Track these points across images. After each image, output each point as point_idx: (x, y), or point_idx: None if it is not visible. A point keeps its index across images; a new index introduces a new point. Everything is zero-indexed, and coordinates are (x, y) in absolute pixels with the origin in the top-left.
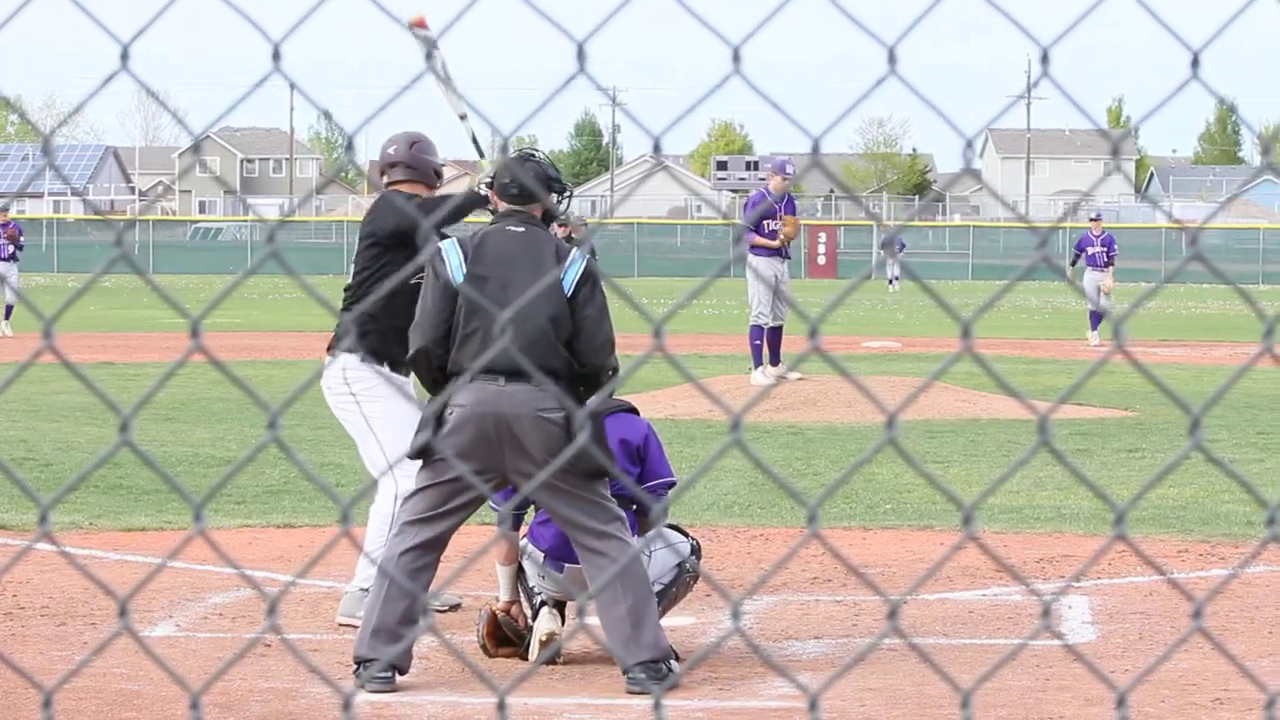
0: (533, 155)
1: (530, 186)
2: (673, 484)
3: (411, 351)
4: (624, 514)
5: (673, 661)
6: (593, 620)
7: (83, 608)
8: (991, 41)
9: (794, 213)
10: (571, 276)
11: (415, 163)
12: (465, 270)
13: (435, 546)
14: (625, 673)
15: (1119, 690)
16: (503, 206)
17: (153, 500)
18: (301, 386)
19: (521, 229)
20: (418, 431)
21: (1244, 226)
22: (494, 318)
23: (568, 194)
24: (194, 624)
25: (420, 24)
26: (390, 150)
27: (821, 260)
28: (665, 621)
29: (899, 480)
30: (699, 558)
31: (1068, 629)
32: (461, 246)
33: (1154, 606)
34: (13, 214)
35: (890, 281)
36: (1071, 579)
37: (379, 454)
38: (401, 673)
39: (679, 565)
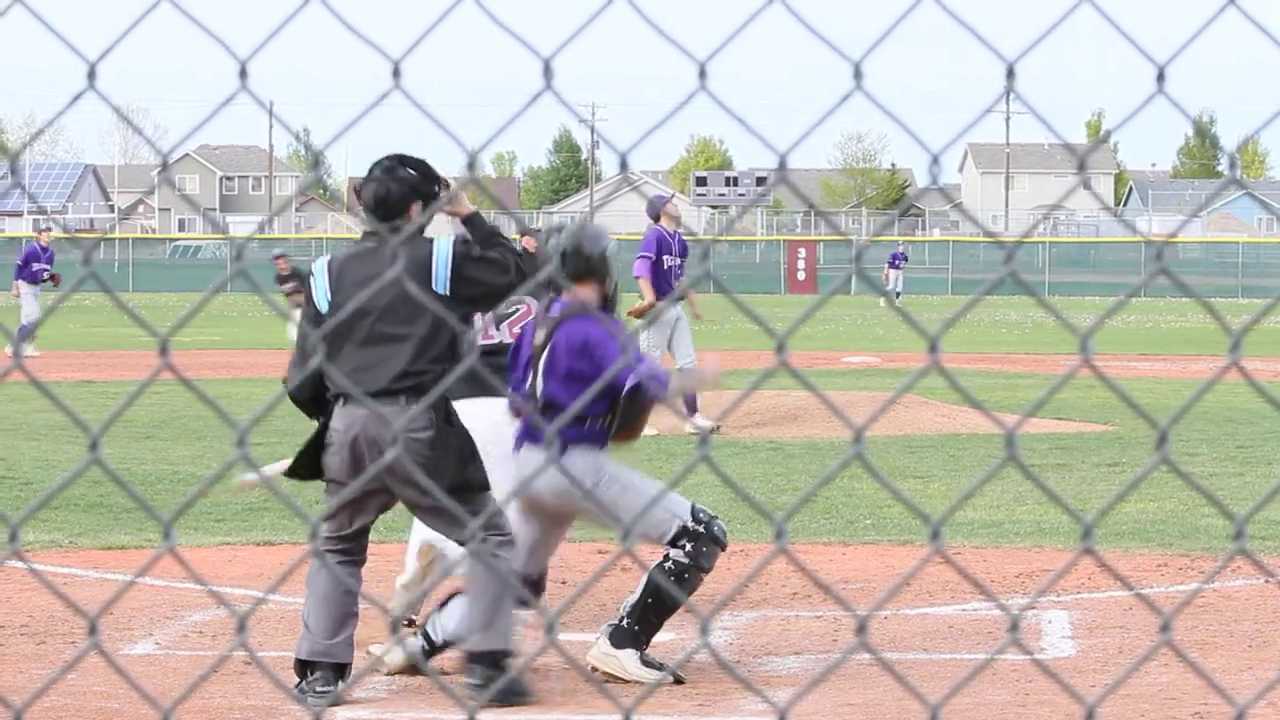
0: (401, 161)
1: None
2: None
3: (289, 388)
4: (503, 523)
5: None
6: (568, 636)
7: (62, 626)
8: (980, 53)
9: (684, 252)
10: (442, 261)
11: None
12: (330, 299)
13: (356, 551)
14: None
15: (1088, 704)
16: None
17: (133, 519)
18: (269, 404)
19: (375, 246)
20: (298, 456)
21: (1224, 240)
22: (357, 340)
23: (443, 184)
24: (174, 642)
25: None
26: None
27: (801, 276)
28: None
29: (879, 495)
30: (703, 544)
31: (1047, 643)
32: (329, 270)
33: (1134, 620)
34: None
35: (895, 295)
36: (1038, 593)
37: None
38: (342, 677)
39: (664, 560)
